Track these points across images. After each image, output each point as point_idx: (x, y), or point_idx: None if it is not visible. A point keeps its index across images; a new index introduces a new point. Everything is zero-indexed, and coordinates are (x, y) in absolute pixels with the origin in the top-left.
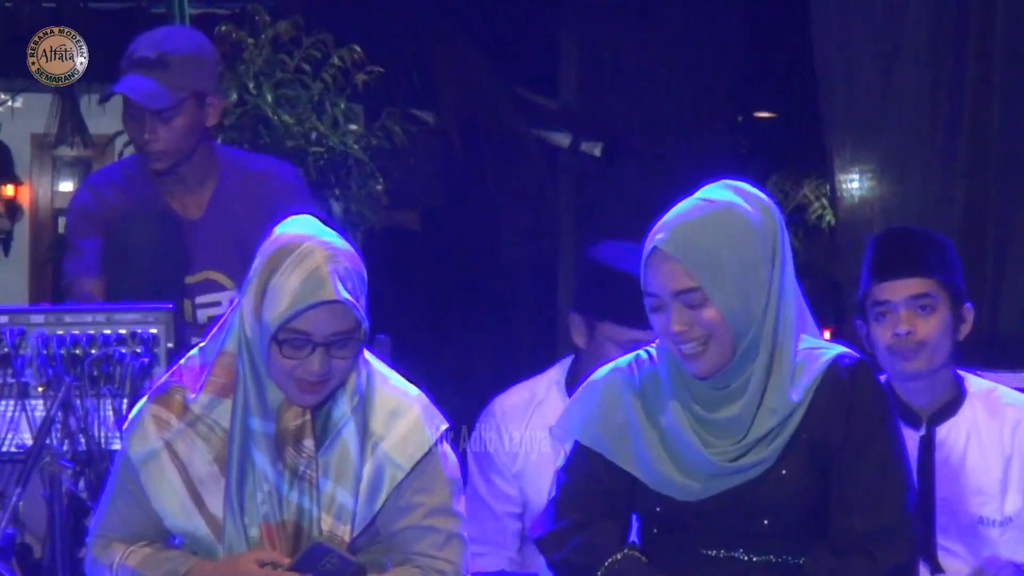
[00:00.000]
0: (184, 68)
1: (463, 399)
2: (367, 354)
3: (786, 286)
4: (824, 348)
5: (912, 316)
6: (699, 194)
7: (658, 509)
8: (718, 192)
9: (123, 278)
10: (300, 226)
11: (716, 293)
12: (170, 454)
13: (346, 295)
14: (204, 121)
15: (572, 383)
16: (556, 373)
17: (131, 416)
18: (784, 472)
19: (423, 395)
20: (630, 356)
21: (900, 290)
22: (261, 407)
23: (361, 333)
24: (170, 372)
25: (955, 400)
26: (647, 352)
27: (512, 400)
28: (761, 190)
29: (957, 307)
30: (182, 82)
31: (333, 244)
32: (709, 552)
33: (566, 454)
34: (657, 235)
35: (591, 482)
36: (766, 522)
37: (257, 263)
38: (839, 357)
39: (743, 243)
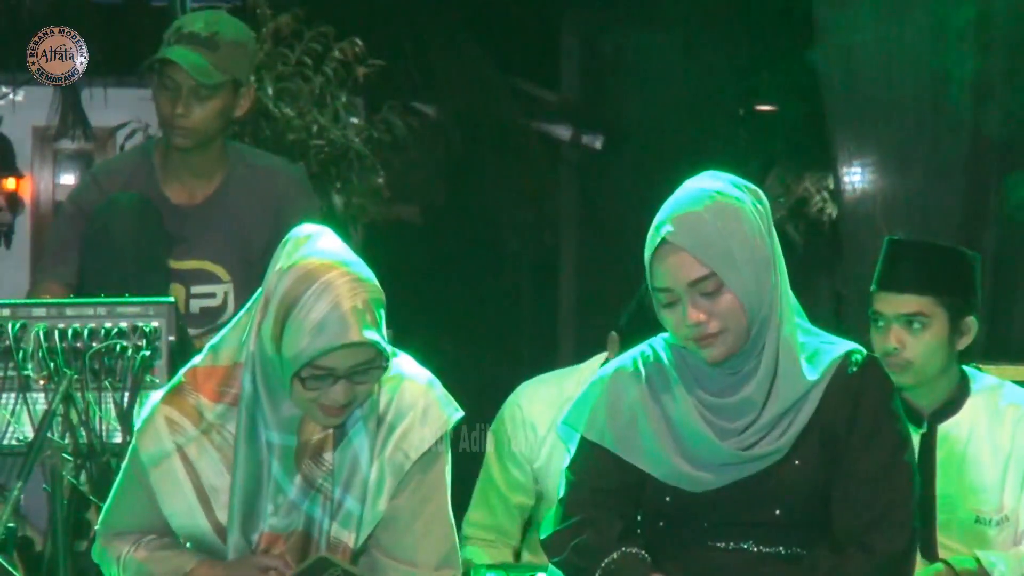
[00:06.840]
0: (232, 52)
1: (463, 393)
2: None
3: (781, 260)
4: (836, 342)
5: (902, 333)
6: (689, 183)
7: (668, 499)
8: (708, 181)
9: (106, 259)
10: (316, 247)
11: (731, 277)
12: (182, 458)
13: (369, 336)
14: (234, 110)
15: None
16: (588, 370)
17: (143, 415)
18: (797, 462)
19: (437, 391)
20: (634, 352)
21: (894, 305)
22: (279, 422)
23: (383, 361)
24: (183, 372)
25: (958, 398)
26: (650, 347)
27: (540, 393)
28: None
29: (956, 321)
30: (228, 65)
31: (352, 273)
32: (718, 544)
33: (571, 452)
34: (664, 228)
35: (599, 479)
36: (778, 511)
37: (274, 287)
38: (851, 351)
39: (745, 224)
